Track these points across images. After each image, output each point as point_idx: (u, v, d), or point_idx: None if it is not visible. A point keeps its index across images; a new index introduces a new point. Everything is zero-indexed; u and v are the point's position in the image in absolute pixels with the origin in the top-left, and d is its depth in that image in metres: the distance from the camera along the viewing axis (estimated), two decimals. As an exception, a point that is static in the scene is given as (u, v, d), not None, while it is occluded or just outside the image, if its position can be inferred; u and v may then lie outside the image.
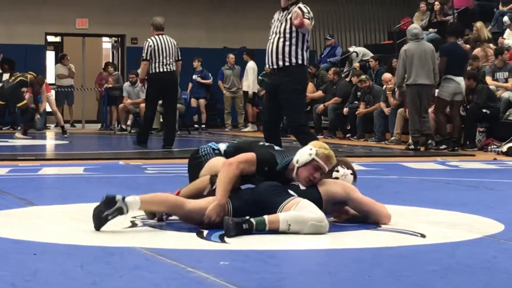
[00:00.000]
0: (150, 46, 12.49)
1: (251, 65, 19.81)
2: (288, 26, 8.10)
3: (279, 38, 8.14)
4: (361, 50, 19.55)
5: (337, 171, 5.41)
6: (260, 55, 20.22)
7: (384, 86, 15.62)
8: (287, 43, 8.11)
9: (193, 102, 20.03)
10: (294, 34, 8.10)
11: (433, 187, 8.15)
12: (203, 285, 3.62)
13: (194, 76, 20.10)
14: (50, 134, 18.39)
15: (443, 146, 13.19)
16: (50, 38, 23.89)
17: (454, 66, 12.93)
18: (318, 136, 14.15)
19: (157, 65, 12.48)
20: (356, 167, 5.96)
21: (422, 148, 12.90)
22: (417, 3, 20.06)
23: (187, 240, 4.71)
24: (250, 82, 19.83)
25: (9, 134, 16.99)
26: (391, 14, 22.05)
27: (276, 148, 5.45)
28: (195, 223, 5.04)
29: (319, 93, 17.99)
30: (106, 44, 25.63)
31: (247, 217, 4.78)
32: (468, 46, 15.95)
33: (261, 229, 4.79)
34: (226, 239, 4.66)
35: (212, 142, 5.68)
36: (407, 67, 12.72)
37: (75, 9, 22.18)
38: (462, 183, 8.44)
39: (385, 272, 3.94)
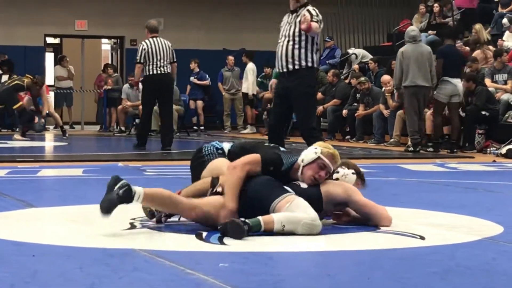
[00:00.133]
0: (144, 49, 12.55)
1: (250, 66, 19.81)
2: (297, 29, 8.10)
3: (288, 41, 8.16)
4: (360, 52, 19.57)
5: (337, 172, 5.40)
6: (259, 56, 20.38)
7: (383, 88, 15.63)
8: (297, 46, 8.12)
9: (191, 104, 20.04)
10: (303, 37, 8.11)
11: (432, 189, 8.15)
12: (202, 287, 3.62)
13: (191, 78, 20.13)
14: (49, 135, 18.38)
15: (429, 148, 13.19)
16: (49, 40, 23.91)
17: (450, 68, 12.95)
18: (317, 138, 14.12)
19: (151, 67, 12.53)
20: (355, 169, 5.95)
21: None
22: (416, 5, 20.08)
23: (186, 242, 4.71)
24: (249, 83, 19.84)
25: (8, 135, 16.99)
26: (390, 16, 22.07)
27: (281, 148, 5.46)
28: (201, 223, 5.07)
29: (318, 95, 17.96)
30: (105, 45, 25.64)
31: (243, 219, 4.78)
32: (467, 48, 15.97)
33: (256, 230, 4.80)
34: (225, 241, 4.66)
35: (216, 141, 5.66)
36: (404, 69, 12.76)
37: (74, 10, 22.19)
38: (461, 185, 8.43)
39: (385, 274, 3.94)
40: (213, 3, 22.98)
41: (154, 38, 12.69)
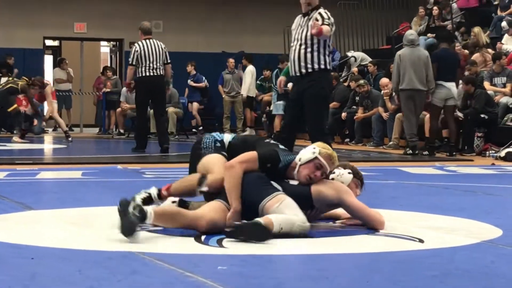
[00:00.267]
0: (137, 51, 12.56)
1: (250, 69, 19.81)
2: (309, 33, 8.09)
3: (300, 45, 8.16)
4: (359, 55, 19.57)
5: (333, 172, 5.41)
6: (259, 59, 20.38)
7: (382, 91, 15.63)
8: (309, 49, 8.12)
9: (190, 107, 20.05)
10: (315, 41, 8.10)
11: (431, 192, 8.14)
12: (201, 290, 3.62)
13: (188, 80, 20.15)
14: (48, 138, 18.37)
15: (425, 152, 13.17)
16: (48, 42, 23.91)
17: (445, 71, 12.96)
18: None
19: (143, 69, 12.56)
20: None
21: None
22: (415, 8, 20.08)
23: (185, 245, 4.71)
24: (247, 86, 19.83)
25: (7, 138, 16.98)
26: (389, 19, 22.07)
27: (281, 146, 5.47)
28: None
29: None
30: (104, 48, 25.66)
31: (244, 221, 4.80)
32: (466, 51, 15.98)
33: None
34: (224, 243, 4.66)
35: (217, 132, 5.70)
36: (400, 72, 12.78)
37: (73, 13, 22.19)
38: (460, 188, 8.43)
39: (384, 277, 3.94)
40: (212, 6, 22.99)
41: (147, 40, 12.70)
